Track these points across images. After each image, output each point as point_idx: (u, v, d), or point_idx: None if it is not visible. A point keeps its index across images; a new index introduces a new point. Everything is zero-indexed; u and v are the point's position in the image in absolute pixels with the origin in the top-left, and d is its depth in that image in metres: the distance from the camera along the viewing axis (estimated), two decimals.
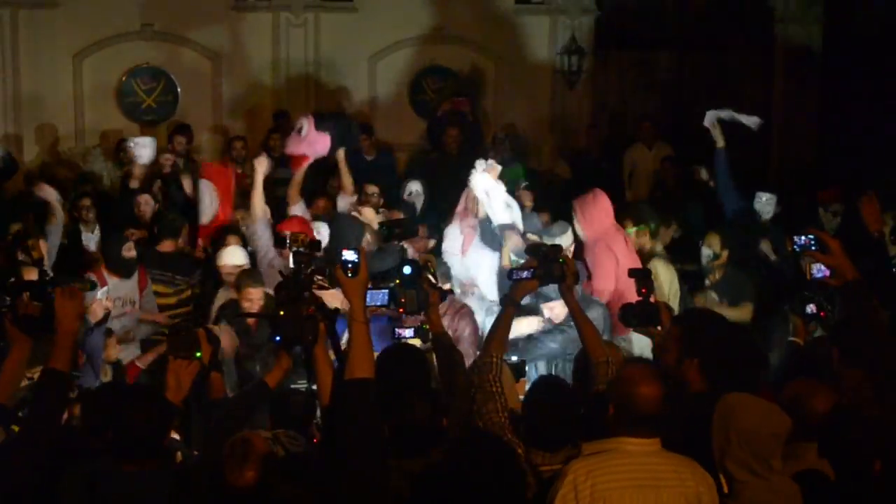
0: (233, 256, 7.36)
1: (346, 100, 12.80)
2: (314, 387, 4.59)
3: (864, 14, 13.06)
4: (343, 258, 3.88)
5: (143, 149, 9.43)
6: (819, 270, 4.60)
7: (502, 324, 4.53)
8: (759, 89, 13.99)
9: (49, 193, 8.16)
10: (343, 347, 4.47)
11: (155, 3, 12.37)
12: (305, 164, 8.44)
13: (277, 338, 4.06)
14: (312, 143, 8.44)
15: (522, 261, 6.48)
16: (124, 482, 3.69)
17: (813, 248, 4.36)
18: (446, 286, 6.10)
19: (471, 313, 6.59)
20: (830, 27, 13.63)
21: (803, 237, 4.37)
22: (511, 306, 4.58)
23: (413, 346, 4.80)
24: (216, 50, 12.66)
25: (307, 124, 8.43)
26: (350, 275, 3.85)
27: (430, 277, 4.94)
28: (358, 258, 3.86)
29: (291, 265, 4.24)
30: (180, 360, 4.10)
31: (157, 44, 12.50)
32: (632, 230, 7.51)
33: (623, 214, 7.63)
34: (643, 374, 3.83)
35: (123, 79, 12.52)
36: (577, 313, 4.62)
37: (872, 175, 9.98)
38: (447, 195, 9.13)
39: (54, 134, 12.37)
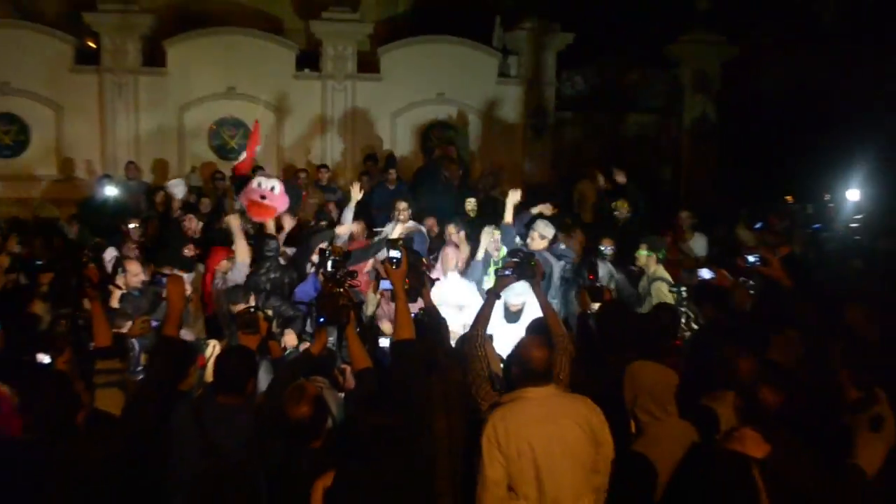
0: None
1: (375, 145, 12.94)
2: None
3: (752, 91, 13.13)
4: (390, 255, 4.06)
5: (177, 188, 9.52)
6: (751, 261, 4.94)
7: (486, 308, 4.35)
8: (670, 147, 14.02)
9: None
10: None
11: (235, 70, 12.48)
12: (270, 217, 7.74)
13: (321, 319, 4.12)
14: (280, 200, 7.87)
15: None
16: (219, 410, 3.73)
17: (758, 263, 4.81)
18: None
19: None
20: (724, 102, 13.60)
21: (750, 256, 4.86)
22: (493, 296, 4.41)
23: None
24: (280, 107, 12.78)
25: (278, 185, 7.83)
26: (395, 267, 4.05)
27: (421, 266, 4.87)
28: (400, 255, 4.04)
29: (330, 268, 4.33)
30: (247, 334, 4.17)
31: (238, 102, 12.66)
32: (643, 253, 6.82)
33: (641, 241, 6.98)
34: (535, 342, 3.80)
35: (213, 127, 12.66)
36: (542, 302, 4.47)
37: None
38: (447, 214, 9.20)
39: (164, 165, 12.52)
